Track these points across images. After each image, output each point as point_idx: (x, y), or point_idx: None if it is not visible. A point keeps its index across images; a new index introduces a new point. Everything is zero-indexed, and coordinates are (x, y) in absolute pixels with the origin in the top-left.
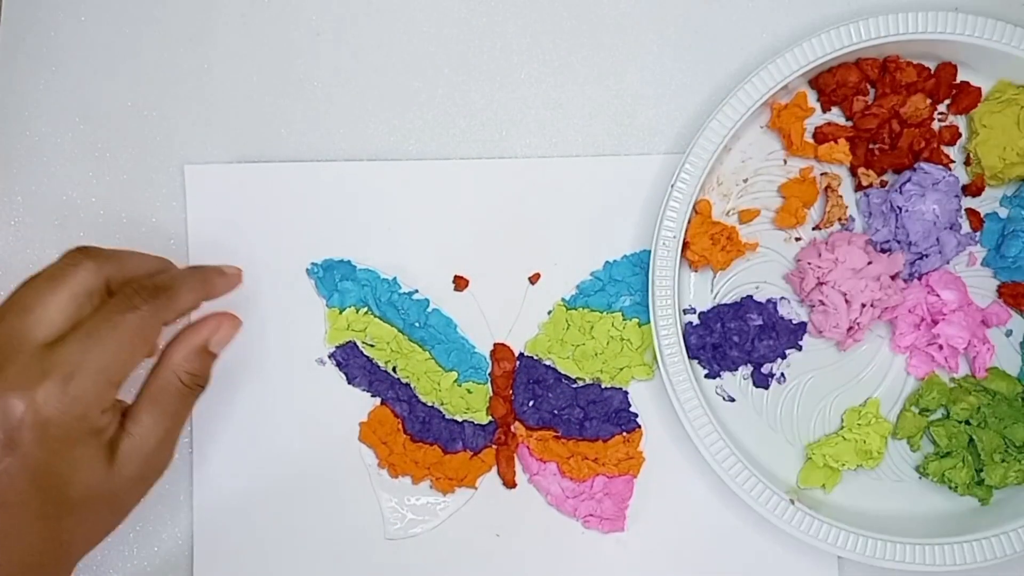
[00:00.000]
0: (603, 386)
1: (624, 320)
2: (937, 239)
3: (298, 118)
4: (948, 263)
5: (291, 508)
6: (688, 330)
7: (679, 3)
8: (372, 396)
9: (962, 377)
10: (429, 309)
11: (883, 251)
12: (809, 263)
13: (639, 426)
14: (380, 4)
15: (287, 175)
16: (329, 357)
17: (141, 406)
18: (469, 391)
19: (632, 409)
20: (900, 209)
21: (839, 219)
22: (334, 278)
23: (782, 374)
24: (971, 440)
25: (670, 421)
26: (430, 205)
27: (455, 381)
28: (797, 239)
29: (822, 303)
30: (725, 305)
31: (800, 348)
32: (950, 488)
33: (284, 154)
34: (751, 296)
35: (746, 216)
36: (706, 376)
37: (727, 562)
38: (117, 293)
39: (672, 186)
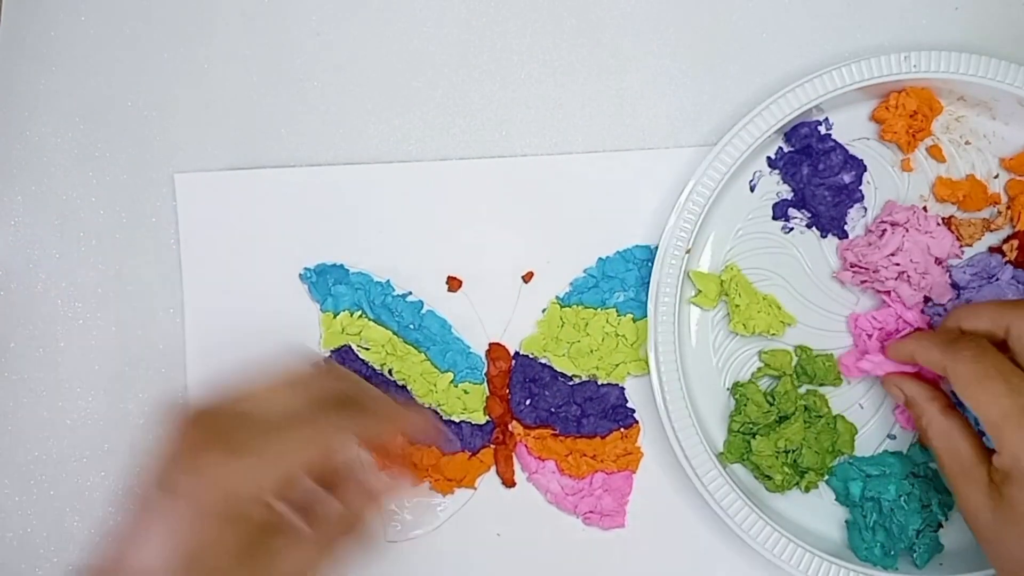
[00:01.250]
0: (599, 383)
1: (618, 316)
2: None
3: (299, 119)
4: None
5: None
6: (805, 123)
7: (678, 2)
8: None
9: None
10: (423, 311)
11: (953, 287)
12: (915, 210)
13: (636, 421)
14: (379, 4)
15: (277, 180)
16: (324, 361)
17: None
18: (466, 391)
19: (629, 405)
20: (996, 279)
21: (968, 237)
22: (327, 283)
23: (792, 228)
24: (787, 417)
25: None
26: (421, 207)
27: (451, 382)
28: (925, 207)
29: (884, 233)
30: (844, 149)
31: (826, 235)
32: (738, 404)
33: (285, 156)
34: (863, 174)
35: (934, 152)
36: (769, 159)
37: (729, 556)
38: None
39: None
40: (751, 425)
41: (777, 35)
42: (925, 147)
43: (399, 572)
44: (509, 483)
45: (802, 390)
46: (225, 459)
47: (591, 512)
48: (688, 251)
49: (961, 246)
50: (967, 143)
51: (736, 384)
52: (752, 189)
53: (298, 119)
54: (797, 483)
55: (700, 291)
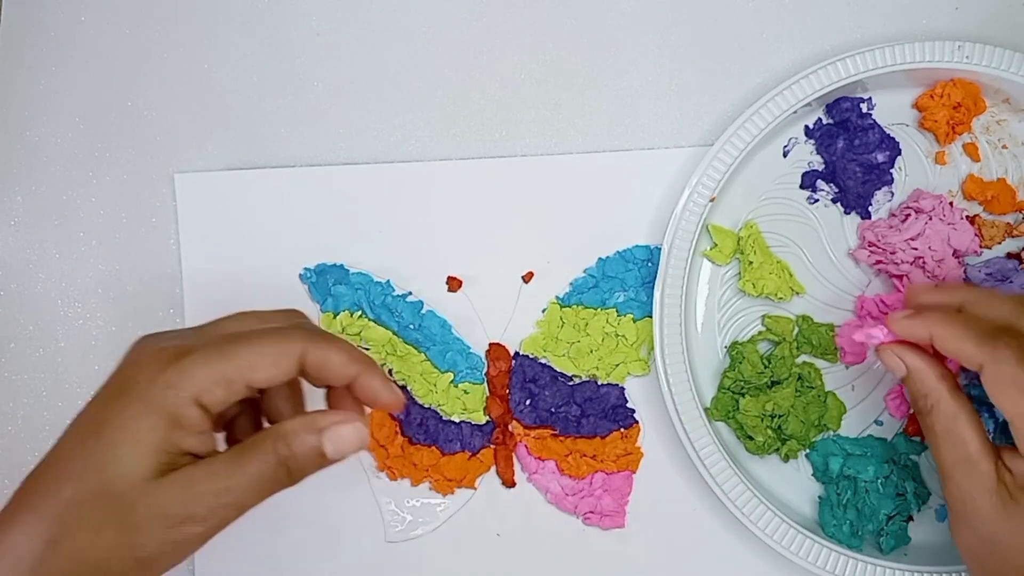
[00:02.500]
0: (599, 383)
1: (618, 316)
2: None
3: (299, 119)
4: None
5: (291, 513)
6: (848, 98)
7: (678, 3)
8: None
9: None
10: (423, 311)
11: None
12: (942, 201)
13: (637, 422)
14: (379, 4)
15: (277, 180)
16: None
17: (226, 450)
18: (466, 391)
19: (629, 405)
20: (1010, 283)
21: (989, 238)
22: (327, 283)
23: (817, 200)
24: (780, 382)
25: (667, 416)
26: (421, 207)
27: (451, 382)
28: (951, 203)
29: (908, 217)
30: (882, 129)
31: (849, 212)
32: (733, 362)
33: (285, 156)
34: (896, 157)
35: (969, 149)
36: (807, 128)
37: (728, 556)
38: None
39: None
40: (743, 384)
41: (776, 36)
42: (962, 143)
43: (399, 572)
44: (509, 483)
45: (799, 360)
46: (173, 357)
47: (591, 512)
48: (713, 200)
49: (981, 246)
50: (1004, 147)
51: (735, 343)
52: (785, 155)
53: (298, 119)
54: (777, 449)
55: (716, 245)
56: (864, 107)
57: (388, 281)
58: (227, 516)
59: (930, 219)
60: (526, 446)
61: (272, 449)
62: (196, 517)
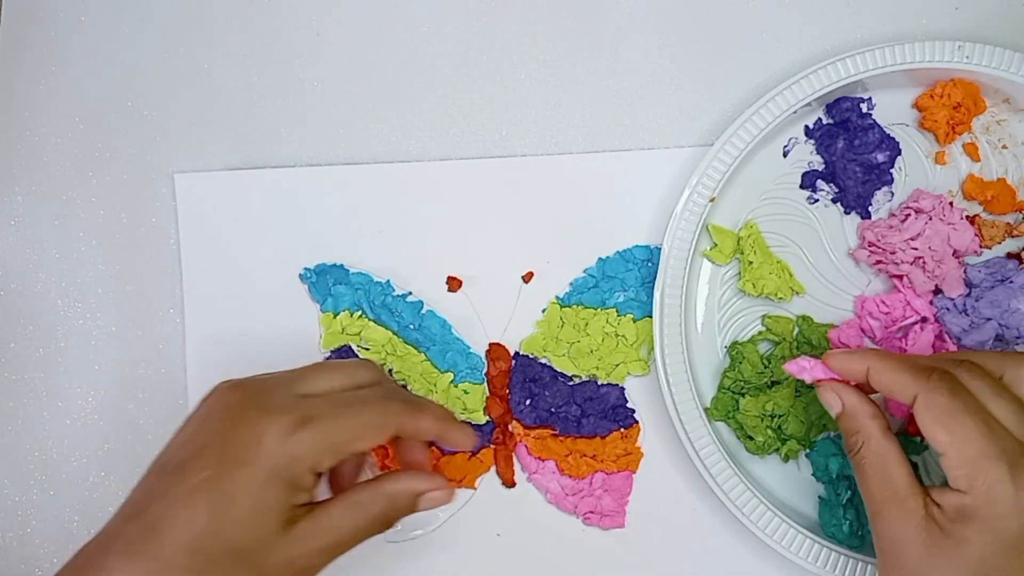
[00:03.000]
0: (599, 383)
1: (618, 316)
2: (996, 334)
3: (299, 119)
4: (952, 340)
5: None
6: (848, 98)
7: (678, 3)
8: None
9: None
10: (423, 311)
11: (967, 285)
12: (942, 200)
13: (637, 422)
14: (379, 4)
15: (277, 180)
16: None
17: (337, 503)
18: (466, 391)
19: (629, 405)
20: (1010, 283)
21: (989, 238)
22: (327, 283)
23: (817, 200)
24: (779, 383)
25: (667, 416)
26: (421, 207)
27: (451, 382)
28: (951, 203)
29: (908, 217)
30: (882, 129)
31: (849, 212)
32: (733, 362)
33: (285, 156)
34: (896, 157)
35: (969, 149)
36: (807, 128)
37: (728, 556)
38: (380, 384)
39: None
40: (743, 384)
41: (776, 36)
42: (962, 143)
43: (399, 572)
44: (509, 483)
45: None
46: (292, 428)
47: (591, 512)
48: (712, 200)
49: (981, 246)
50: (1004, 147)
51: (735, 343)
52: (785, 155)
53: (298, 119)
54: (777, 449)
55: (716, 245)
56: (864, 107)
57: (388, 281)
58: (335, 558)
59: (930, 219)
60: (526, 446)
61: (381, 508)
62: (316, 565)
